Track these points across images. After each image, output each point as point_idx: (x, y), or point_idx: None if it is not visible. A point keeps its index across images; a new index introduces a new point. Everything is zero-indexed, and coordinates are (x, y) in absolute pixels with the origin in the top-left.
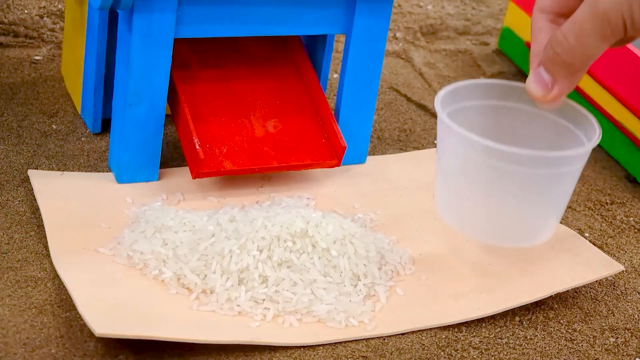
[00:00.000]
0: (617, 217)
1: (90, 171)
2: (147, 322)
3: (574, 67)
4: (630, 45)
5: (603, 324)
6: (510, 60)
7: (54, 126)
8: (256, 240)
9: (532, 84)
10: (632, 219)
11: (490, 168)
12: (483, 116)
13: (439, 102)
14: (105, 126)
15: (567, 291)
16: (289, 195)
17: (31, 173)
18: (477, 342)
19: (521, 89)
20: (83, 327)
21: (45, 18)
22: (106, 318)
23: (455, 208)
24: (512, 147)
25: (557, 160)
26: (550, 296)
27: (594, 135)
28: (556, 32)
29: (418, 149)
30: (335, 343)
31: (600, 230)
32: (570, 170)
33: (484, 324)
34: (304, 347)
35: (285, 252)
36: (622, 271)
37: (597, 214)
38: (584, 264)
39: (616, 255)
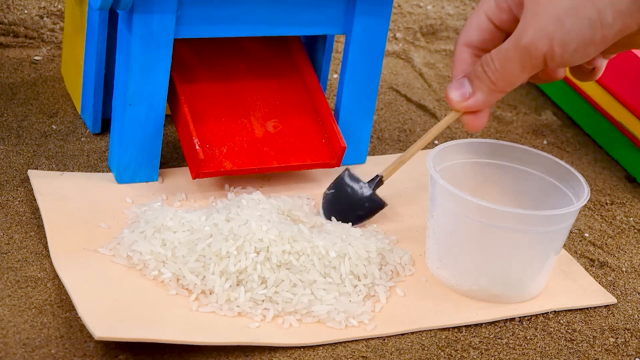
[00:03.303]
0: (617, 217)
1: (90, 171)
2: (146, 324)
3: (495, 87)
4: None
5: (603, 324)
6: None
7: (54, 126)
8: (254, 242)
9: (452, 89)
10: (632, 219)
11: (482, 226)
12: (472, 173)
13: (431, 160)
14: (105, 126)
15: None
16: (289, 195)
17: (31, 173)
18: (477, 342)
19: (509, 147)
20: (83, 328)
21: (45, 18)
22: (105, 320)
23: (447, 265)
24: (504, 207)
25: (549, 219)
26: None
27: (582, 191)
28: (486, 55)
29: None
30: (335, 343)
31: (600, 230)
32: (560, 227)
33: (483, 324)
34: (304, 347)
35: (284, 255)
36: (622, 272)
37: (597, 214)
38: (580, 289)
39: (616, 255)
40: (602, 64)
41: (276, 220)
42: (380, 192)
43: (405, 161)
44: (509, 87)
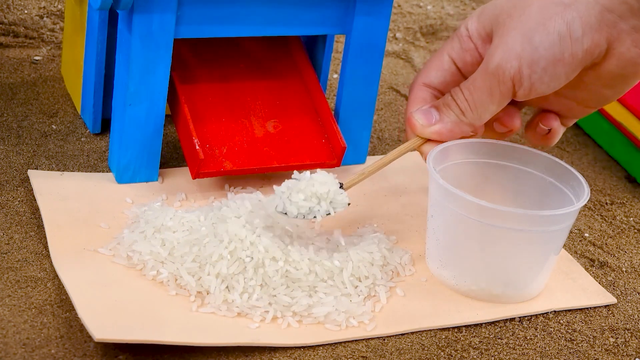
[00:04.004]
0: (617, 217)
1: (90, 171)
2: (146, 325)
3: (464, 117)
4: None
5: (603, 324)
6: None
7: (54, 126)
8: (246, 248)
9: (417, 113)
10: (632, 219)
11: (482, 226)
12: (472, 173)
13: (431, 160)
14: (105, 126)
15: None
16: None
17: (31, 173)
18: (477, 342)
19: (509, 147)
20: (83, 328)
21: (45, 18)
22: (105, 322)
23: (447, 265)
24: (504, 207)
25: (549, 219)
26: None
27: (582, 191)
28: (455, 87)
29: None
30: (335, 343)
31: (600, 230)
32: (560, 227)
33: (483, 324)
34: (304, 347)
35: (280, 261)
36: (622, 272)
37: (597, 214)
38: (580, 289)
39: (616, 255)
40: (559, 128)
41: (272, 227)
42: (381, 191)
43: (366, 176)
44: (477, 119)
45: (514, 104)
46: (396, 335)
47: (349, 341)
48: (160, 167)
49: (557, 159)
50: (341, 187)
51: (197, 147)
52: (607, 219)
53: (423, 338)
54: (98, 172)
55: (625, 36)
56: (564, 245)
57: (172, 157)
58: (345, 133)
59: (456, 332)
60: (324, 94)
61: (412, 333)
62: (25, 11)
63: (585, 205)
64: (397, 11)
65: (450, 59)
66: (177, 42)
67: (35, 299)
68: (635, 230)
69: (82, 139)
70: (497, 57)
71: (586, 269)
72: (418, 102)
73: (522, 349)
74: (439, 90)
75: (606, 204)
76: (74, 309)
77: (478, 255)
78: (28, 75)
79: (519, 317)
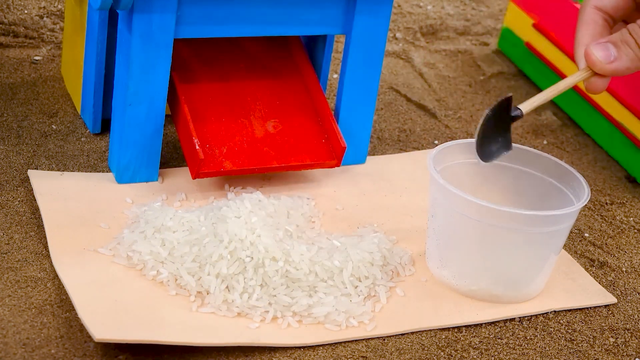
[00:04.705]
0: (617, 217)
1: (90, 171)
2: (146, 325)
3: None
4: None
5: (603, 324)
6: (510, 60)
7: (54, 126)
8: (246, 248)
9: (597, 49)
10: (632, 219)
11: (482, 226)
12: (472, 173)
13: (431, 160)
14: (105, 126)
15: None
16: (289, 195)
17: (31, 173)
18: (477, 342)
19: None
20: (83, 328)
21: (45, 18)
22: (105, 322)
23: (447, 265)
24: (504, 207)
25: (549, 219)
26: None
27: (582, 191)
28: (633, 24)
29: (418, 149)
30: (335, 343)
31: (600, 230)
32: (561, 228)
33: (483, 324)
34: (304, 347)
35: (280, 262)
36: (622, 272)
37: (597, 214)
38: (580, 289)
39: (616, 255)
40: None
41: (272, 227)
42: (381, 191)
43: (540, 103)
44: None
45: None
46: (396, 335)
47: (349, 341)
48: (160, 167)
49: (557, 160)
50: (520, 112)
51: (197, 147)
52: (607, 219)
53: (423, 338)
54: (98, 172)
55: None
56: (564, 245)
57: (172, 157)
58: (345, 133)
59: (456, 332)
60: (324, 94)
61: (412, 333)
62: (25, 11)
63: (585, 205)
64: (397, 11)
65: None
66: (177, 42)
67: (35, 299)
68: (635, 230)
69: (82, 139)
70: None
71: (586, 269)
72: (590, 24)
73: (522, 349)
74: (609, 14)
75: (606, 204)
76: (74, 309)
77: (478, 255)
78: (28, 75)
79: (519, 317)
